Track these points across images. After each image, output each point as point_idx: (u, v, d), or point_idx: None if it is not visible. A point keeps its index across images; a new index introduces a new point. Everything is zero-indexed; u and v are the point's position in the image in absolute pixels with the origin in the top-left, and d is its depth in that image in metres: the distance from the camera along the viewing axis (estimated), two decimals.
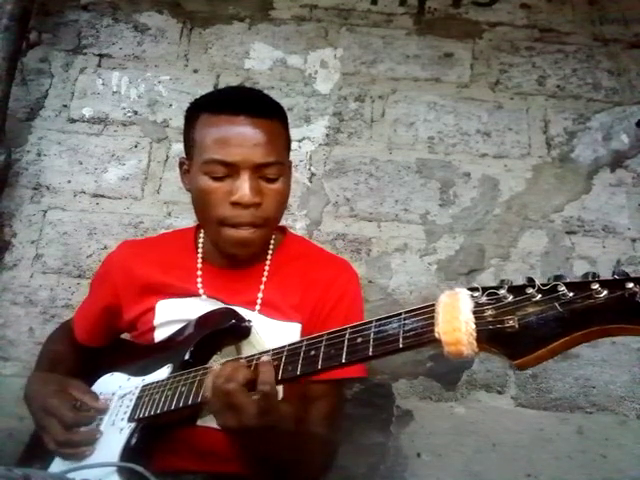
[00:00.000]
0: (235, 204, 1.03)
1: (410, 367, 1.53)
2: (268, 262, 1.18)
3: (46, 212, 1.66)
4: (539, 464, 1.45)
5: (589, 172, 1.65)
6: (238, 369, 0.81)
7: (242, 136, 1.03)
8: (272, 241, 1.20)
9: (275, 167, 1.06)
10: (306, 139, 1.69)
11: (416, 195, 1.65)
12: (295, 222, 1.62)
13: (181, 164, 1.15)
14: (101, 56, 1.78)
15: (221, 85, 1.75)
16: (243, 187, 1.02)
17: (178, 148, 1.69)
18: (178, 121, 1.72)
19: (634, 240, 1.59)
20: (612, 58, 1.73)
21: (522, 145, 1.67)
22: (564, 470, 1.44)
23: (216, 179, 1.04)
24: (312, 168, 1.67)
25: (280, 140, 1.10)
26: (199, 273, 1.16)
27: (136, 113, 1.73)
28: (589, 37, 1.75)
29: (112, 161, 1.70)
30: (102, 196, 1.68)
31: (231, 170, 1.03)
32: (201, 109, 1.09)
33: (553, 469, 1.44)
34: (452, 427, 1.49)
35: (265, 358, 0.80)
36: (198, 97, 1.18)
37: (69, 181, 1.69)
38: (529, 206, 1.63)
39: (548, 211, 1.62)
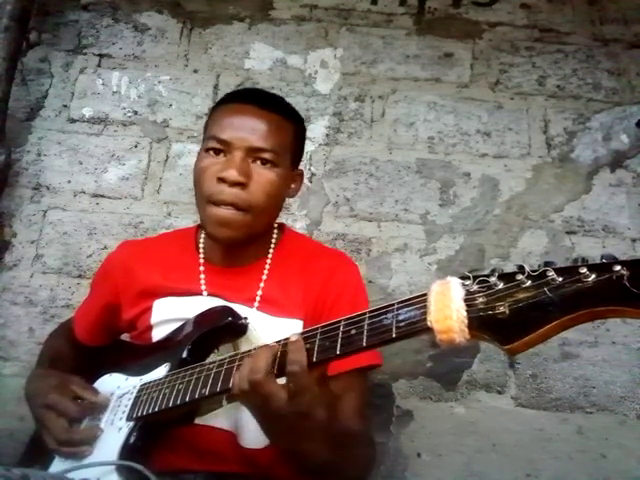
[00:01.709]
0: (221, 180, 1.05)
1: (410, 367, 1.53)
2: (269, 259, 1.18)
3: (46, 212, 1.66)
4: (539, 464, 1.45)
5: (589, 172, 1.65)
6: (261, 359, 0.79)
7: (244, 120, 1.09)
8: (273, 239, 1.21)
9: (269, 154, 1.08)
10: (306, 139, 1.69)
11: (416, 195, 1.65)
12: (295, 222, 1.62)
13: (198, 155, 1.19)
14: (101, 56, 1.79)
15: (221, 85, 1.75)
16: (231, 165, 1.05)
17: (178, 148, 1.70)
18: (178, 121, 1.72)
19: (634, 240, 1.58)
20: (612, 58, 1.73)
21: (522, 145, 1.67)
22: (564, 470, 1.44)
23: (212, 157, 1.09)
24: (312, 168, 1.67)
25: (282, 135, 1.12)
26: (201, 269, 1.17)
27: (136, 113, 1.74)
28: (589, 37, 1.75)
29: (112, 161, 1.70)
30: (102, 196, 1.68)
31: (226, 149, 1.08)
32: (222, 101, 1.17)
33: (553, 469, 1.44)
34: (452, 427, 1.48)
35: (294, 337, 0.79)
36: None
37: (69, 181, 1.69)
38: (529, 206, 1.63)
39: (548, 211, 1.62)
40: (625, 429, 1.46)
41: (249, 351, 0.85)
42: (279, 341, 0.82)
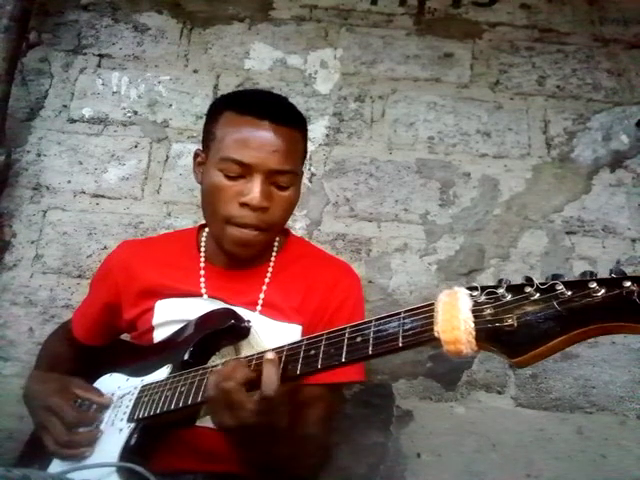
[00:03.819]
0: (244, 205, 1.04)
1: (410, 367, 1.53)
2: (272, 263, 1.19)
3: (46, 212, 1.66)
4: (539, 464, 1.45)
5: (589, 172, 1.65)
6: (237, 368, 0.82)
7: (262, 140, 1.04)
8: (276, 243, 1.21)
9: (288, 176, 1.07)
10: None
11: (416, 195, 1.65)
12: (295, 222, 1.62)
13: (196, 155, 1.17)
14: (101, 56, 1.78)
15: (221, 85, 1.75)
16: (254, 190, 1.03)
17: (178, 148, 1.70)
18: (178, 121, 1.72)
19: (634, 240, 1.59)
20: (612, 58, 1.73)
21: (522, 145, 1.67)
22: (564, 470, 1.44)
23: (230, 178, 1.05)
24: (312, 168, 1.67)
25: (297, 150, 1.11)
26: (202, 273, 1.17)
27: (136, 113, 1.74)
28: (589, 37, 1.75)
29: (112, 161, 1.70)
30: (102, 196, 1.68)
31: (245, 171, 1.04)
32: (227, 106, 1.11)
33: (553, 469, 1.44)
34: (452, 427, 1.48)
35: (270, 355, 0.80)
36: (225, 94, 1.21)
37: (69, 181, 1.69)
38: (529, 206, 1.63)
39: (548, 211, 1.62)
40: (625, 429, 1.46)
41: (252, 355, 0.85)
42: (250, 357, 0.84)
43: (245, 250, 1.09)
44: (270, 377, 0.78)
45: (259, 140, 1.04)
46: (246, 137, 1.05)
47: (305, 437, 1.05)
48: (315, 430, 1.07)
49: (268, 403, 0.78)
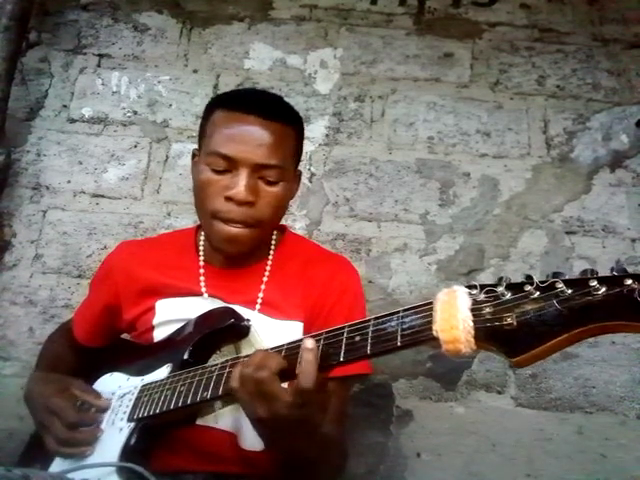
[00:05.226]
0: (228, 199, 1.04)
1: (410, 367, 1.53)
2: (269, 261, 1.18)
3: (46, 212, 1.66)
4: (539, 464, 1.45)
5: (589, 172, 1.65)
6: (270, 357, 0.79)
7: (247, 134, 1.04)
8: (273, 240, 1.21)
9: (275, 170, 1.06)
10: (306, 139, 1.66)
11: (416, 195, 1.65)
12: (295, 222, 1.62)
13: (193, 155, 1.18)
14: (101, 56, 1.79)
15: (221, 85, 1.75)
16: (239, 184, 1.03)
17: (178, 148, 1.70)
18: (178, 121, 1.72)
19: (634, 240, 1.58)
20: (612, 58, 1.73)
21: (522, 145, 1.67)
22: (564, 470, 1.44)
23: (216, 172, 1.05)
24: (312, 168, 1.67)
25: (287, 146, 1.10)
26: (201, 272, 1.16)
27: (136, 113, 1.74)
28: (589, 37, 1.75)
29: (112, 161, 1.70)
30: (102, 196, 1.68)
31: (231, 165, 1.04)
32: (218, 105, 1.12)
33: (553, 469, 1.44)
34: (452, 427, 1.48)
35: (309, 344, 0.76)
36: (219, 94, 1.23)
37: (69, 181, 1.69)
38: (529, 206, 1.63)
39: (548, 211, 1.62)
40: (625, 429, 1.46)
41: (281, 346, 0.82)
42: (280, 346, 0.82)
43: (233, 246, 1.07)
44: (309, 367, 0.74)
45: (245, 134, 1.04)
46: (233, 132, 1.05)
47: (324, 437, 1.00)
48: (330, 429, 1.01)
49: (306, 395, 0.75)
